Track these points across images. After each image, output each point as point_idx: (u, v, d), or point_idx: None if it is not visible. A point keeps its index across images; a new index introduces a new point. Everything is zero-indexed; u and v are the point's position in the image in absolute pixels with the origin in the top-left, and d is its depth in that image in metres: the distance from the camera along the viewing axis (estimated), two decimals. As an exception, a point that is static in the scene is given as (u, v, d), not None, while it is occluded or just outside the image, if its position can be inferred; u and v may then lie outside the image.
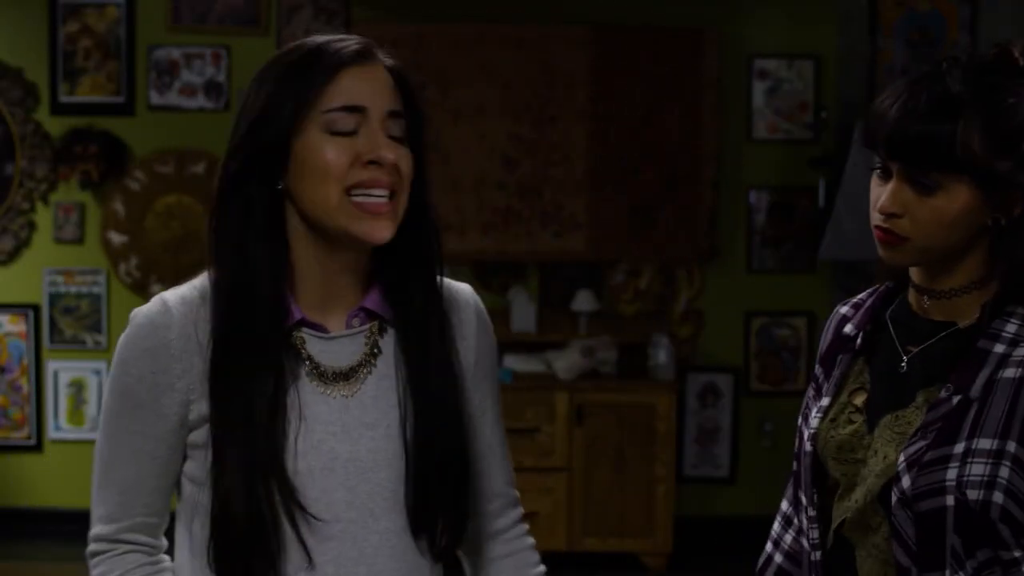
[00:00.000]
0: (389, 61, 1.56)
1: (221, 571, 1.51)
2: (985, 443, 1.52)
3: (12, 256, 5.87)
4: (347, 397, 1.55)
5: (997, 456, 1.51)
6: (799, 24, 5.82)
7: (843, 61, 5.76)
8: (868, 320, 1.73)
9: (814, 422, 1.75)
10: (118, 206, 5.83)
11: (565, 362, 5.48)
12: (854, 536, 1.67)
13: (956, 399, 1.56)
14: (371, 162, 1.50)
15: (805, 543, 1.75)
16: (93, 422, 5.86)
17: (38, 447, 5.89)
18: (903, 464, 1.57)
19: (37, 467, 5.89)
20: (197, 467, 1.54)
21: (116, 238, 5.83)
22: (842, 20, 5.75)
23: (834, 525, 1.69)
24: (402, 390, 1.57)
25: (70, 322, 5.86)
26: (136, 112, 5.82)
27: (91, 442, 5.97)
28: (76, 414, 5.86)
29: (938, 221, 1.57)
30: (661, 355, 5.53)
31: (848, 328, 1.75)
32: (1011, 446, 1.51)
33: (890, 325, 1.70)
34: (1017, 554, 1.52)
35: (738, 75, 5.83)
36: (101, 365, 5.85)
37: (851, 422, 1.69)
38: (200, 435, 1.54)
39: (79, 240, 5.86)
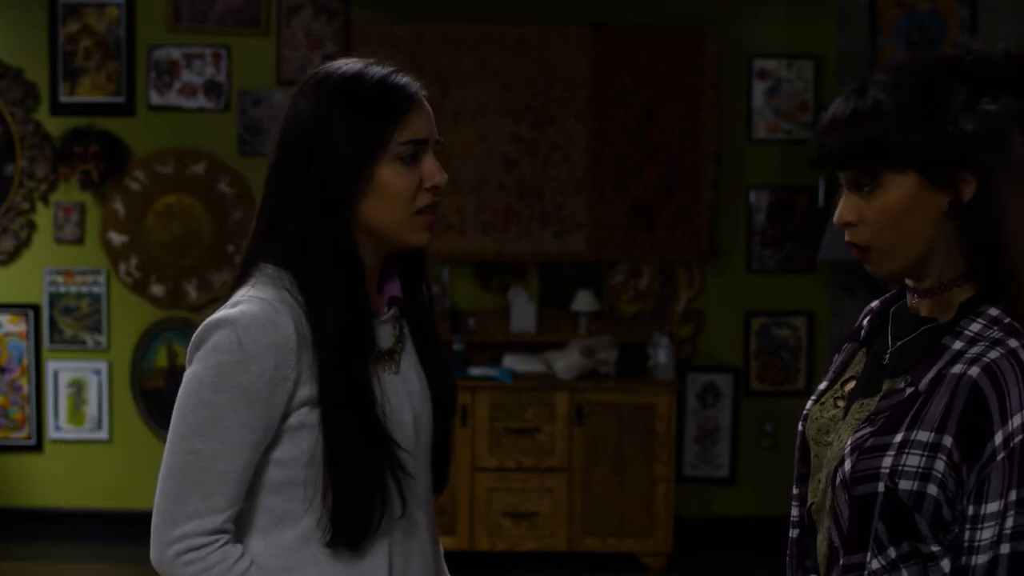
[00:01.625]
0: (426, 93, 1.83)
1: (343, 536, 1.71)
2: (923, 435, 1.55)
3: (12, 256, 5.87)
4: (394, 373, 1.81)
5: (933, 449, 1.54)
6: (799, 24, 5.83)
7: (843, 61, 5.76)
8: (878, 315, 1.78)
9: (808, 404, 1.80)
10: (118, 206, 5.84)
11: (565, 362, 5.48)
12: (817, 518, 1.72)
13: (908, 391, 1.60)
14: (432, 187, 1.78)
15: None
16: (93, 422, 5.86)
17: (38, 447, 5.89)
18: (848, 448, 1.61)
19: (37, 467, 5.89)
20: (293, 448, 1.72)
21: (116, 238, 5.84)
22: (842, 20, 5.75)
23: (807, 506, 1.75)
24: (420, 363, 1.87)
25: (70, 322, 5.86)
26: (136, 112, 5.82)
27: (91, 442, 5.95)
28: (76, 414, 5.86)
29: (886, 218, 1.62)
30: (661, 355, 5.53)
31: (865, 320, 1.81)
32: (947, 440, 1.53)
33: (890, 320, 1.75)
34: (935, 548, 1.54)
35: (738, 75, 5.83)
36: (101, 365, 5.85)
37: (835, 407, 1.74)
38: (300, 416, 1.72)
39: (79, 240, 5.86)
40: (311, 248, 1.73)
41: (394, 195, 1.75)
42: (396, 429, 1.76)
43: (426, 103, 1.81)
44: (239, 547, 1.70)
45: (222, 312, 1.71)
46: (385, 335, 1.81)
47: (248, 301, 1.71)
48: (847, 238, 1.67)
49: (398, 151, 1.75)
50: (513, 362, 5.60)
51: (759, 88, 5.84)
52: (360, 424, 1.71)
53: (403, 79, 1.78)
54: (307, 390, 1.71)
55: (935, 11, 5.71)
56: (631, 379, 5.57)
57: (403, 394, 1.80)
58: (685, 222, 5.76)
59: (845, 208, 1.66)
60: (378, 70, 1.77)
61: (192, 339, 1.73)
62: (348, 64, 1.78)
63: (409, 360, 1.85)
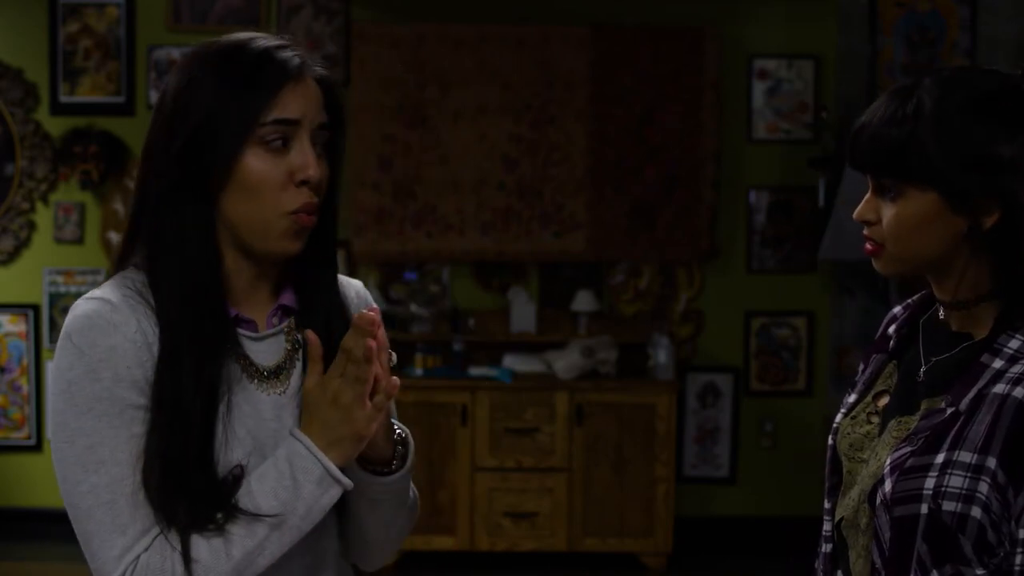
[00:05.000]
0: (319, 72, 1.57)
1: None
2: (966, 456, 1.53)
3: (12, 256, 5.87)
4: (279, 394, 1.59)
5: (976, 471, 1.52)
6: (799, 24, 5.83)
7: (843, 61, 5.76)
8: (906, 324, 1.76)
9: (838, 417, 1.78)
10: (118, 206, 5.84)
11: (565, 362, 5.48)
12: (848, 534, 1.69)
13: (949, 411, 1.57)
14: (302, 182, 1.53)
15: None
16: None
17: (38, 447, 5.89)
18: (888, 468, 1.58)
19: (37, 467, 5.89)
20: None
21: (116, 238, 5.83)
22: (842, 20, 5.75)
23: (835, 521, 1.72)
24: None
25: (70, 322, 5.85)
26: (136, 112, 5.82)
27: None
28: (76, 414, 5.86)
29: (902, 227, 1.60)
30: (661, 355, 5.53)
31: (892, 329, 1.78)
32: (991, 462, 1.51)
33: (920, 332, 1.72)
34: (980, 572, 1.52)
35: (738, 75, 5.83)
36: (101, 365, 5.85)
37: (868, 423, 1.72)
38: None
39: (79, 240, 5.86)
40: (162, 240, 1.52)
41: (256, 187, 1.51)
42: (238, 452, 1.53)
43: (312, 83, 1.54)
44: (165, 542, 1.48)
45: (66, 321, 1.52)
46: (267, 352, 1.60)
47: (80, 305, 1.51)
48: (865, 232, 1.65)
49: (263, 133, 1.50)
50: (513, 362, 5.60)
51: (759, 88, 5.84)
52: (171, 440, 1.48)
53: (288, 53, 1.53)
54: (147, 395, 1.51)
55: (935, 11, 5.71)
56: (631, 379, 5.57)
57: (281, 418, 1.58)
58: (685, 222, 5.76)
59: (866, 206, 1.64)
60: (262, 42, 1.53)
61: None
62: (232, 36, 1.56)
63: (300, 378, 1.62)
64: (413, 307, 5.77)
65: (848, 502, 1.69)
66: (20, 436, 5.88)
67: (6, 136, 5.83)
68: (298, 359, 1.62)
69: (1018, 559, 1.51)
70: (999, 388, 1.54)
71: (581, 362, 5.49)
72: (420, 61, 5.67)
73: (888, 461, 1.59)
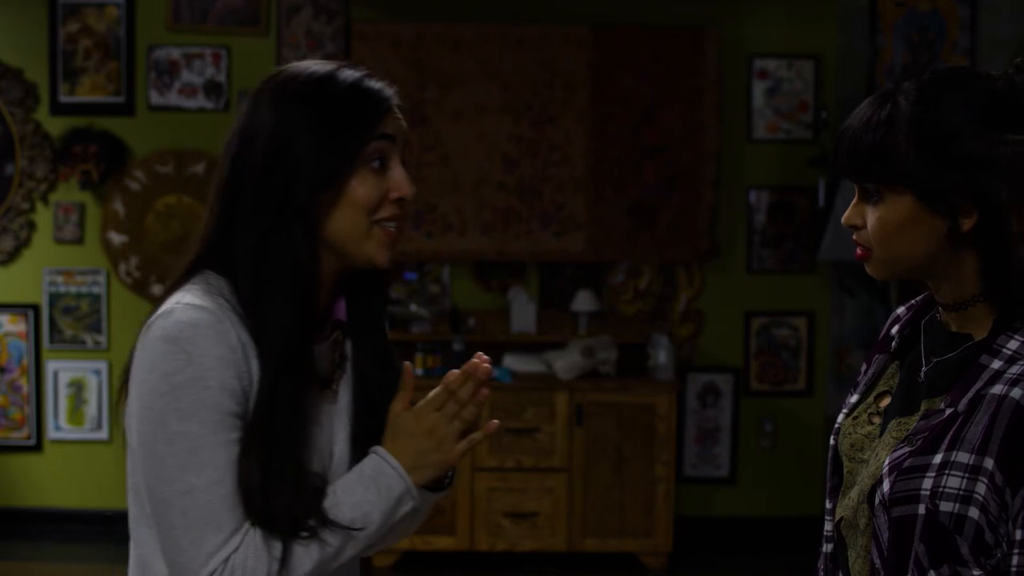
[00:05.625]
0: (399, 101, 1.68)
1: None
2: (964, 457, 1.53)
3: (12, 256, 5.87)
4: (331, 404, 1.69)
5: (974, 472, 1.52)
6: (799, 24, 5.83)
7: (843, 61, 5.76)
8: (908, 325, 1.76)
9: (840, 417, 1.78)
10: (118, 206, 5.84)
11: (565, 362, 5.48)
12: (848, 534, 1.70)
13: (948, 411, 1.57)
14: (399, 199, 1.65)
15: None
16: (93, 422, 5.86)
17: (38, 447, 5.89)
18: (886, 468, 1.59)
19: (37, 467, 5.89)
20: None
21: (116, 238, 5.84)
22: (842, 20, 5.75)
23: (835, 520, 1.73)
24: (355, 391, 1.72)
25: (70, 322, 5.86)
26: (136, 112, 5.82)
27: (91, 442, 5.93)
28: (76, 414, 5.86)
29: (885, 231, 1.61)
30: (661, 355, 5.53)
31: (895, 330, 1.78)
32: (988, 463, 1.51)
33: (922, 333, 1.72)
34: (976, 572, 1.52)
35: (738, 75, 5.83)
36: (101, 365, 5.85)
37: (869, 423, 1.72)
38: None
39: (79, 240, 5.86)
40: (268, 264, 1.59)
41: (359, 205, 1.61)
42: (316, 461, 1.63)
43: (397, 111, 1.66)
44: (256, 544, 1.56)
45: (158, 325, 1.56)
46: (322, 360, 1.68)
47: (183, 310, 1.56)
48: (853, 237, 1.67)
49: (368, 156, 1.61)
50: (513, 362, 5.60)
51: (759, 88, 5.84)
52: (275, 453, 1.57)
53: (377, 83, 1.64)
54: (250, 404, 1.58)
55: (935, 11, 5.71)
56: (631, 379, 5.57)
57: (332, 424, 1.68)
58: (685, 222, 5.76)
59: (852, 211, 1.65)
60: (349, 74, 1.64)
61: (136, 354, 1.59)
62: (313, 67, 1.65)
63: (344, 388, 1.71)
64: (413, 307, 5.77)
65: (848, 502, 1.69)
66: (20, 436, 5.88)
67: (6, 136, 5.83)
68: (343, 370, 1.71)
69: (1015, 560, 1.52)
70: (997, 389, 1.54)
71: (581, 362, 5.48)
72: (420, 61, 5.67)
73: (887, 461, 1.59)
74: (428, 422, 1.63)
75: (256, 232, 1.59)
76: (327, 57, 5.73)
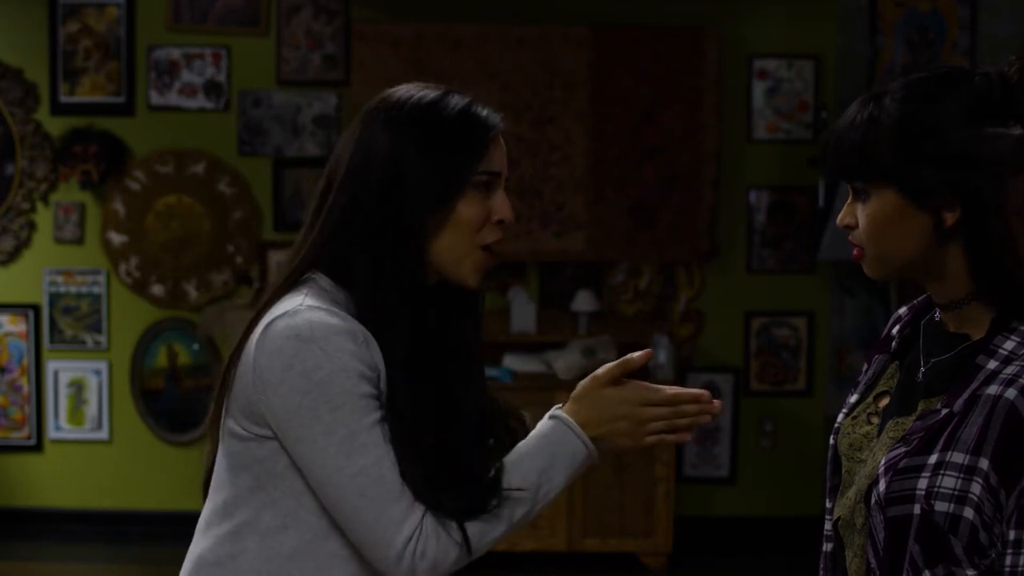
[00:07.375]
0: (503, 125, 1.79)
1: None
2: (959, 457, 1.53)
3: (12, 256, 5.87)
4: None
5: (969, 472, 1.52)
6: (799, 24, 5.83)
7: (843, 61, 5.76)
8: (908, 325, 1.77)
9: (840, 417, 1.78)
10: (118, 206, 5.84)
11: (565, 362, 5.48)
12: (845, 534, 1.70)
13: (944, 412, 1.58)
14: (499, 221, 1.77)
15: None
16: (93, 422, 5.86)
17: (38, 447, 5.89)
18: (882, 468, 1.59)
19: (37, 467, 5.89)
20: None
21: (116, 238, 5.84)
22: (842, 20, 5.75)
23: (832, 520, 1.73)
24: None
25: (70, 322, 5.86)
26: (136, 112, 5.82)
27: (91, 442, 5.93)
28: (76, 414, 5.86)
29: (873, 228, 1.63)
30: (661, 355, 5.53)
31: (895, 330, 1.79)
32: (983, 463, 1.52)
33: (921, 333, 1.73)
34: (971, 573, 1.52)
35: (738, 75, 5.83)
36: (101, 365, 5.85)
37: (868, 423, 1.72)
38: None
39: (79, 240, 5.86)
40: (384, 280, 1.71)
41: (463, 224, 1.74)
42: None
43: (501, 137, 1.77)
44: (430, 516, 1.69)
45: (284, 324, 1.66)
46: None
47: (309, 311, 1.66)
48: (849, 237, 1.69)
49: (475, 181, 1.73)
50: (513, 362, 5.60)
51: (759, 88, 5.84)
52: (428, 457, 1.71)
53: (484, 110, 1.75)
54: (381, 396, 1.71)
55: (935, 11, 5.71)
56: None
57: None
58: (685, 222, 5.76)
59: (846, 211, 1.68)
60: (458, 100, 1.75)
61: (265, 355, 1.66)
62: (422, 92, 1.75)
63: None
64: (413, 307, 5.77)
65: (845, 502, 1.70)
66: (20, 436, 5.88)
67: (6, 136, 5.83)
68: None
69: (1008, 560, 1.52)
70: (992, 389, 1.54)
71: (581, 362, 5.48)
72: (420, 61, 5.67)
73: (883, 461, 1.60)
74: (646, 414, 1.79)
75: (372, 251, 1.70)
76: (327, 58, 5.74)
